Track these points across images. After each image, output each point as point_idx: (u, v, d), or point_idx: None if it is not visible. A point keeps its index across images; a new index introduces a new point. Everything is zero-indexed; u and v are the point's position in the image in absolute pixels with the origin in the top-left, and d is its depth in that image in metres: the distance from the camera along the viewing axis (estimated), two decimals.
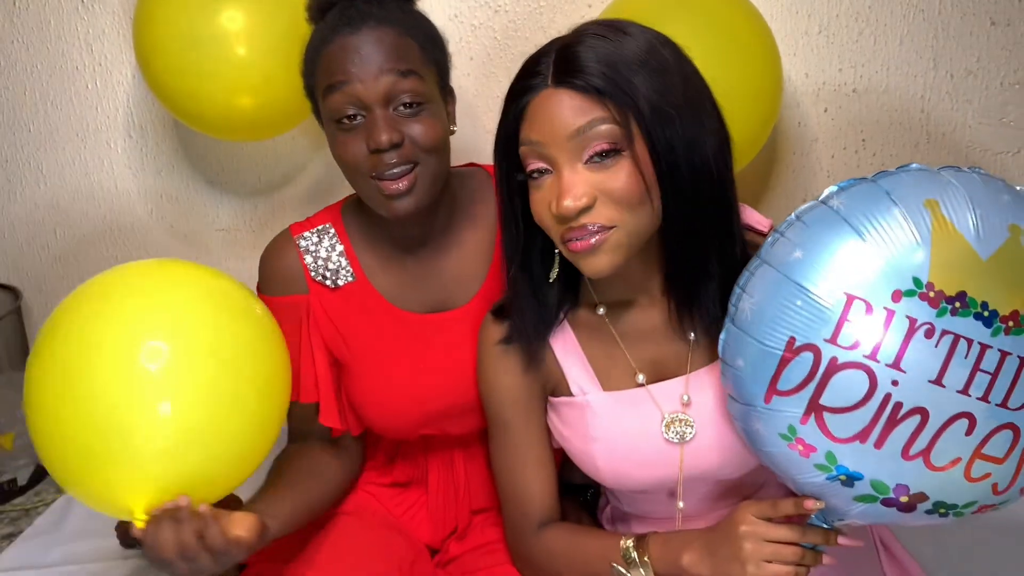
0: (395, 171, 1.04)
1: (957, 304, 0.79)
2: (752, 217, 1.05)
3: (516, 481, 1.08)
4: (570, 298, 1.05)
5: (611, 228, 0.89)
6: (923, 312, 0.79)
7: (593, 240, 0.89)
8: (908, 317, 0.79)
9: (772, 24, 1.47)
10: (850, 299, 0.80)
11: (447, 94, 1.14)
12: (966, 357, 0.79)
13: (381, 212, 1.09)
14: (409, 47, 1.06)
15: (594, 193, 0.88)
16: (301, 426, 1.22)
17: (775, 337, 0.83)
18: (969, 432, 0.80)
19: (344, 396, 1.22)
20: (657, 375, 1.03)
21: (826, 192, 0.86)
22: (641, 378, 1.03)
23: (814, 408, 0.82)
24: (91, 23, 1.65)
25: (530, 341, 1.03)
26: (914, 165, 0.85)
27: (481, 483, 1.29)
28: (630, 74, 0.86)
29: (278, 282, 1.18)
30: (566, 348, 1.05)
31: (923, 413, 0.80)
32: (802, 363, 0.82)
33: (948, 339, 0.79)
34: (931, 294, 0.79)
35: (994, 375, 0.79)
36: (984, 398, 0.79)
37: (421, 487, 1.30)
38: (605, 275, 0.92)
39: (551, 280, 1.00)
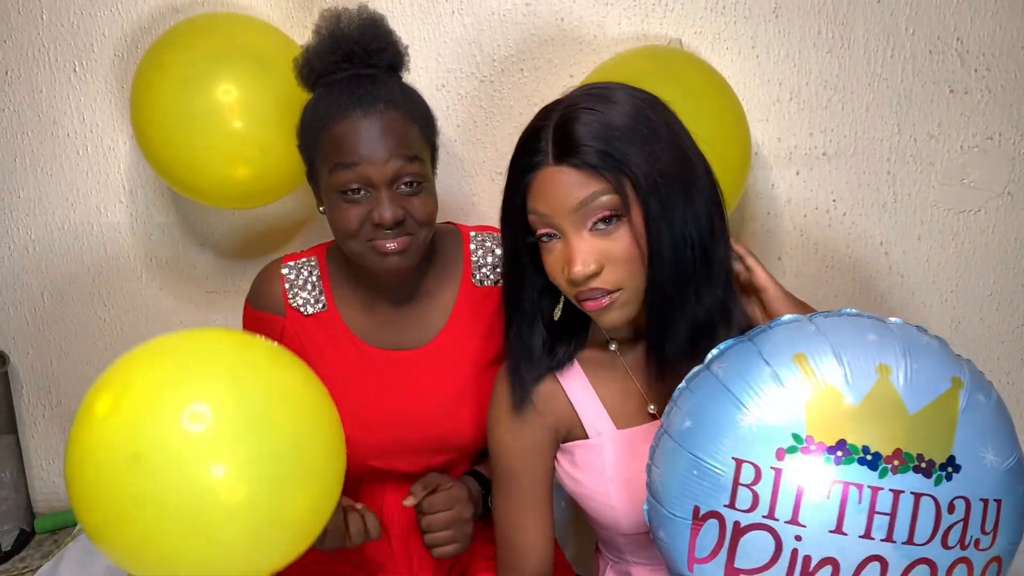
0: (389, 235, 1.16)
1: (839, 453, 0.81)
2: None
3: (516, 533, 1.12)
4: (576, 340, 1.12)
5: (617, 291, 0.97)
6: (808, 466, 0.81)
7: (605, 301, 0.97)
8: (795, 473, 0.81)
9: (745, 92, 1.55)
10: (739, 463, 0.83)
11: (435, 168, 1.26)
12: (859, 503, 0.80)
13: (371, 268, 1.19)
14: (413, 132, 1.17)
15: (601, 259, 0.96)
16: None
17: (682, 507, 0.86)
18: (883, 574, 0.81)
19: None
20: None
21: (709, 356, 0.91)
22: (653, 408, 1.09)
23: (732, 572, 0.84)
24: (83, 91, 1.68)
25: (530, 381, 1.09)
26: (786, 317, 0.89)
27: None
28: (623, 146, 0.94)
29: (261, 300, 1.32)
30: (578, 390, 1.11)
31: (833, 563, 0.81)
32: (710, 530, 0.84)
33: (838, 488, 0.80)
34: (812, 447, 0.81)
35: (892, 515, 0.80)
36: (888, 539, 0.80)
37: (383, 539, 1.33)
38: (620, 326, 1.01)
39: (556, 318, 1.08)
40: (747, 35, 1.54)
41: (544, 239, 1.00)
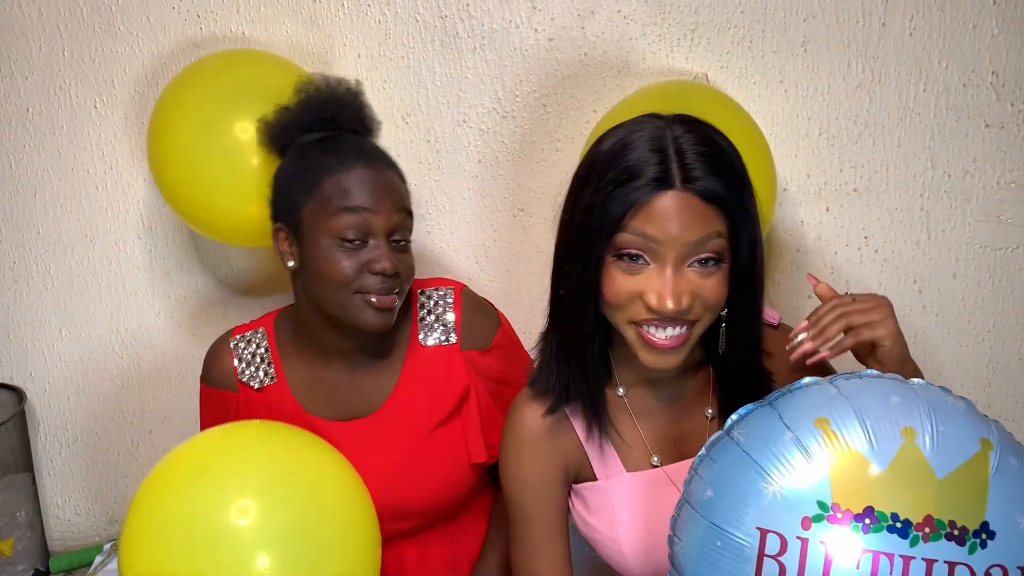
0: (384, 290, 1.19)
1: (867, 521, 0.78)
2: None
3: (531, 569, 1.09)
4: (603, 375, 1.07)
5: (694, 323, 0.94)
6: (836, 535, 0.78)
7: (679, 340, 0.94)
8: (822, 543, 0.78)
9: (773, 127, 1.52)
10: (764, 534, 0.80)
11: None
12: (891, 573, 0.77)
13: (352, 321, 1.19)
14: (404, 191, 1.25)
15: (693, 296, 0.92)
16: None
17: None
18: None
19: None
20: (677, 454, 1.05)
21: (729, 421, 0.88)
22: (656, 460, 1.05)
23: None
24: (103, 128, 1.67)
25: (592, 403, 1.05)
26: (806, 380, 0.86)
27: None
28: (742, 193, 0.93)
29: (213, 377, 1.34)
30: (588, 431, 1.07)
31: None
32: None
33: (868, 557, 0.77)
34: (839, 515, 0.78)
35: None
36: None
37: None
38: (670, 372, 0.98)
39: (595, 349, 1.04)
40: (775, 69, 1.51)
41: (629, 260, 0.93)
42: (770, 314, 1.11)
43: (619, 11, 1.52)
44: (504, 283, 1.66)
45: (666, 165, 0.90)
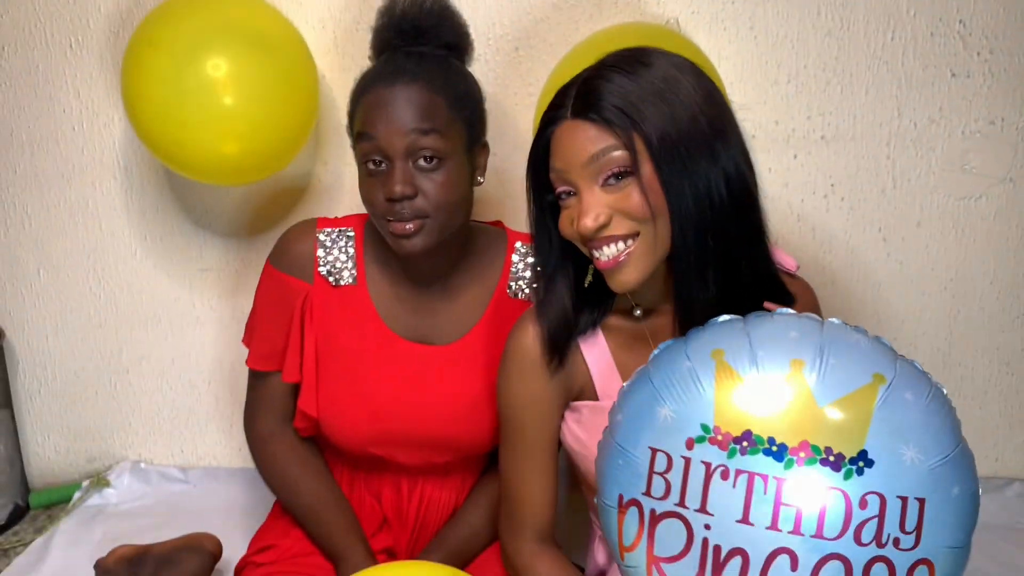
0: (397, 216, 1.13)
1: (744, 443, 0.82)
2: (779, 256, 1.10)
3: (521, 486, 1.14)
4: (602, 307, 1.11)
5: (632, 238, 0.97)
6: (715, 455, 0.83)
7: (622, 257, 0.97)
8: (703, 462, 0.83)
9: (742, 73, 1.53)
10: (654, 452, 0.86)
11: (477, 147, 1.21)
12: (765, 493, 0.81)
13: (392, 248, 1.17)
14: (436, 105, 1.13)
15: (609, 212, 0.96)
16: (265, 402, 1.32)
17: (611, 495, 0.90)
18: (794, 568, 0.80)
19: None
20: None
21: (652, 354, 0.93)
22: None
23: (652, 560, 0.86)
24: (79, 67, 1.68)
25: (557, 337, 1.09)
26: (724, 317, 0.91)
27: (433, 523, 1.35)
28: (641, 104, 0.94)
29: (288, 262, 1.26)
30: (596, 355, 1.11)
31: (742, 554, 0.81)
32: (632, 518, 0.88)
33: (744, 478, 0.81)
34: (719, 437, 0.83)
35: (799, 507, 0.80)
36: (796, 531, 0.80)
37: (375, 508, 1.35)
38: (632, 288, 1.00)
39: (586, 286, 1.08)
40: (745, 15, 1.52)
41: (563, 196, 1.01)
42: (785, 260, 1.12)
43: None
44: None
45: (563, 100, 0.99)
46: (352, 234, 1.28)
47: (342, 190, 1.68)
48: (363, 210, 1.29)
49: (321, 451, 1.36)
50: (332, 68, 1.61)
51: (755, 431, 0.82)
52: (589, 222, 0.96)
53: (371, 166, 1.14)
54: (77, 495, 1.80)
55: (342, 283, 1.26)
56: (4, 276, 1.81)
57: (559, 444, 1.16)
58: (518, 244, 1.30)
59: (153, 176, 1.73)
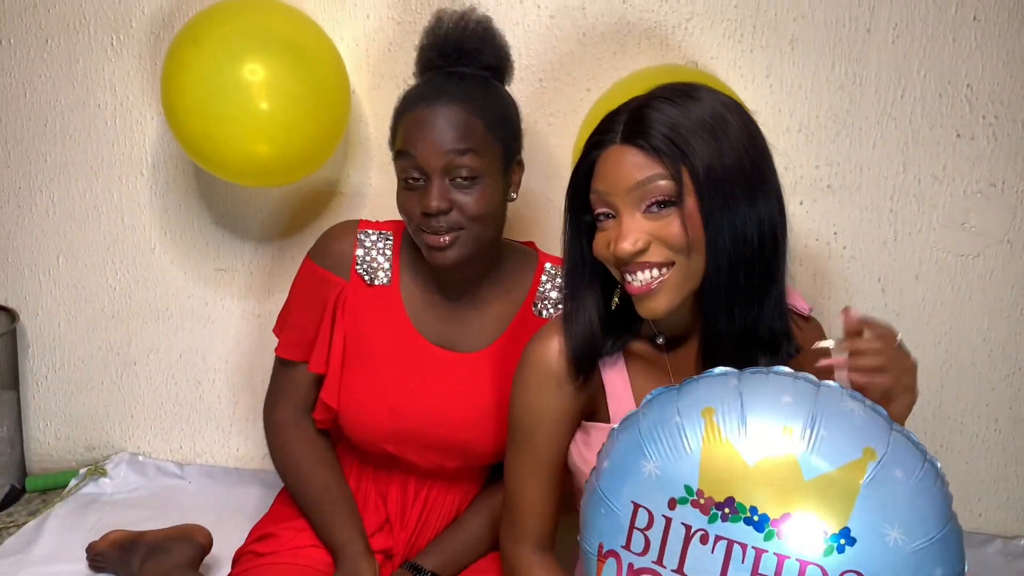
0: (433, 230, 1.20)
1: (727, 510, 0.82)
2: (794, 298, 1.13)
3: (525, 495, 1.15)
4: (627, 332, 1.13)
5: (667, 267, 0.99)
6: (696, 519, 0.83)
7: (654, 285, 0.99)
8: (684, 524, 0.83)
9: (756, 119, 1.57)
10: (636, 507, 0.86)
11: (512, 165, 1.27)
12: (743, 562, 0.80)
13: (425, 257, 1.23)
14: (474, 126, 1.19)
15: (648, 239, 0.99)
16: (288, 390, 1.37)
17: (592, 542, 0.90)
18: None
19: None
20: None
21: (645, 399, 0.94)
22: None
23: None
24: (118, 64, 1.74)
25: (582, 355, 1.10)
26: (719, 369, 0.91)
27: (433, 528, 1.38)
28: (691, 137, 0.97)
29: (327, 257, 1.32)
30: (614, 378, 1.12)
31: None
32: (610, 568, 0.88)
33: (722, 544, 0.81)
34: (701, 501, 0.83)
35: None
36: None
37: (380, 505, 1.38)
38: (660, 316, 1.02)
39: (612, 309, 1.10)
40: (762, 64, 1.58)
41: (600, 218, 1.03)
42: (799, 302, 1.14)
43: None
44: None
45: (611, 126, 1.02)
46: (391, 238, 1.34)
47: (363, 202, 1.73)
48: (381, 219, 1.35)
49: (334, 445, 1.40)
50: (363, 85, 1.67)
51: (738, 498, 0.82)
52: (627, 246, 0.98)
53: (410, 181, 1.20)
54: (73, 482, 1.83)
55: (376, 283, 1.31)
56: (24, 261, 1.86)
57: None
58: (547, 265, 1.35)
59: (180, 175, 1.78)
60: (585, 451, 1.13)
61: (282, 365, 1.37)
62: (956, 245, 1.62)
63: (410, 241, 1.33)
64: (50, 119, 1.78)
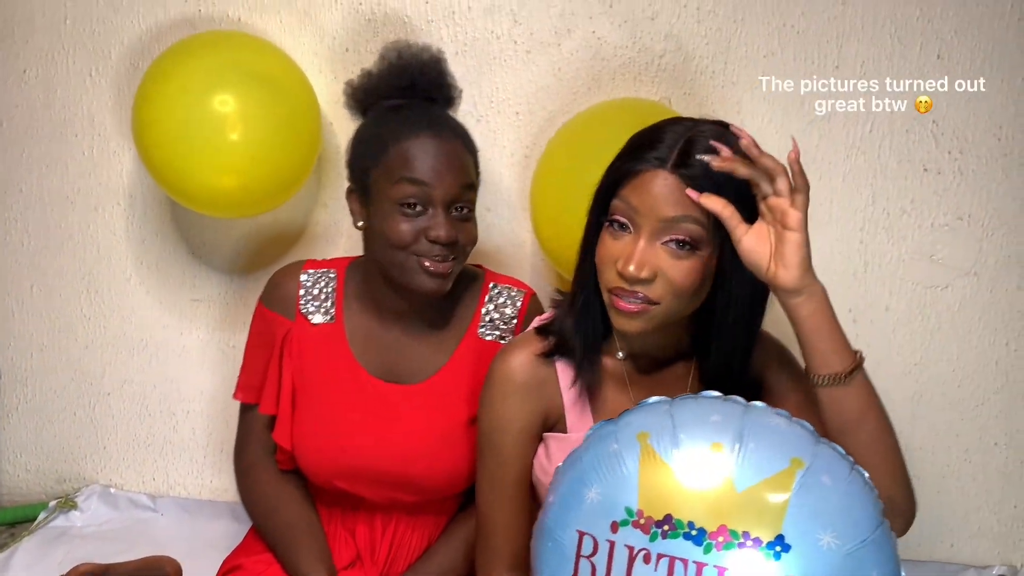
0: (439, 257, 1.22)
1: (666, 527, 0.84)
2: None
3: (496, 513, 1.16)
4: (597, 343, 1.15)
5: (655, 304, 1.01)
6: (638, 539, 0.85)
7: (635, 308, 1.01)
8: (627, 546, 0.86)
9: None
10: (581, 535, 0.88)
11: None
12: None
13: (407, 284, 1.23)
14: (469, 162, 1.27)
15: (657, 272, 1.00)
16: (251, 434, 1.38)
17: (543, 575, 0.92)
18: None
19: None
20: None
21: (586, 434, 0.96)
22: None
23: None
24: (96, 96, 1.74)
25: (583, 357, 1.12)
26: (653, 399, 0.94)
27: (402, 563, 1.37)
28: (732, 186, 0.98)
29: (273, 300, 1.36)
30: (572, 384, 1.14)
31: None
32: None
33: (665, 561, 0.84)
34: (642, 520, 0.85)
35: None
36: None
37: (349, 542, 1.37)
38: (633, 336, 1.05)
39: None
40: (733, 100, 1.61)
41: (615, 226, 1.03)
42: None
43: (594, 32, 1.62)
44: None
45: (668, 148, 1.01)
46: (334, 275, 1.36)
47: (339, 233, 1.74)
48: (358, 252, 1.35)
49: (305, 484, 1.40)
50: (339, 118, 1.68)
51: (676, 515, 0.84)
52: (634, 268, 1.00)
53: (408, 209, 1.21)
54: (43, 515, 1.80)
55: (320, 321, 1.33)
56: None
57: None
58: (492, 285, 1.37)
59: (156, 206, 1.78)
60: (546, 463, 1.14)
61: (243, 410, 1.40)
62: (925, 277, 1.65)
63: (355, 276, 1.35)
64: (26, 149, 1.78)
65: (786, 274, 0.97)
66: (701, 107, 1.62)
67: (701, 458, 0.86)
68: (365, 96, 1.30)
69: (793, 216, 0.96)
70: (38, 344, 1.86)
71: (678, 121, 1.06)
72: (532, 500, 1.18)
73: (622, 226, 1.03)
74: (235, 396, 1.40)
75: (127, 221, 1.79)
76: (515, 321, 1.35)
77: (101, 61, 1.73)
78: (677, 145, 1.00)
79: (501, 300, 1.36)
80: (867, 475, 0.88)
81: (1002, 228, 1.61)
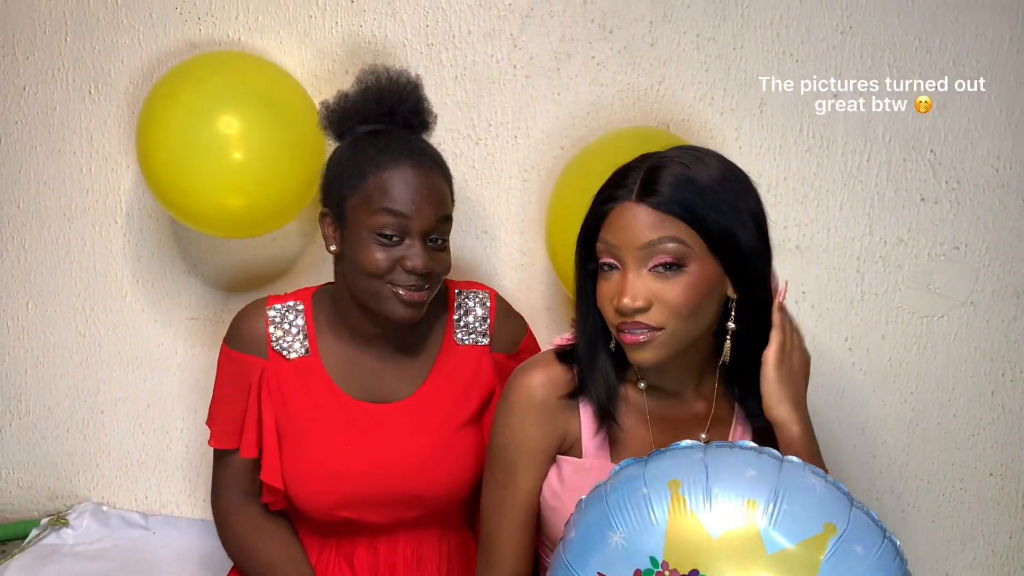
0: (414, 286, 1.23)
1: None
2: None
3: (502, 529, 1.16)
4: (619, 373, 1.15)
5: (659, 330, 1.02)
6: None
7: (642, 337, 1.02)
8: None
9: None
10: None
11: None
12: None
13: (381, 311, 1.23)
14: (447, 193, 1.27)
15: (651, 298, 1.02)
16: (229, 478, 1.36)
17: None
18: None
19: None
20: None
21: (612, 470, 0.94)
22: None
23: None
24: (95, 114, 1.75)
25: (607, 407, 1.13)
26: (685, 442, 0.92)
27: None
28: (703, 202, 1.01)
29: (241, 341, 1.32)
30: (591, 415, 1.14)
31: None
32: None
33: None
34: (666, 573, 0.83)
35: None
36: None
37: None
38: (649, 367, 1.06)
39: (612, 348, 1.13)
40: (732, 126, 1.61)
41: (604, 268, 1.06)
42: None
43: (593, 58, 1.63)
44: None
45: (626, 182, 1.05)
46: (301, 307, 1.34)
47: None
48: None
49: (291, 523, 1.38)
50: None
51: (702, 571, 0.82)
52: (628, 301, 1.01)
53: (384, 239, 1.21)
54: (34, 532, 1.79)
55: (295, 355, 1.31)
56: None
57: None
58: (457, 291, 1.38)
59: (153, 224, 1.78)
60: (557, 485, 1.14)
61: (219, 456, 1.37)
62: (921, 306, 1.65)
63: (323, 305, 1.34)
64: (24, 165, 1.78)
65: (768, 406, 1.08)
66: (700, 133, 1.62)
67: (734, 515, 0.84)
68: (341, 119, 1.29)
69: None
70: (33, 360, 1.86)
71: (643, 156, 1.08)
72: (536, 519, 1.18)
73: (610, 266, 1.05)
74: (211, 443, 1.36)
75: (124, 239, 1.79)
76: (488, 321, 1.37)
77: (101, 80, 1.73)
78: (640, 176, 1.04)
79: (470, 304, 1.37)
80: (899, 543, 0.86)
81: (999, 258, 1.61)
